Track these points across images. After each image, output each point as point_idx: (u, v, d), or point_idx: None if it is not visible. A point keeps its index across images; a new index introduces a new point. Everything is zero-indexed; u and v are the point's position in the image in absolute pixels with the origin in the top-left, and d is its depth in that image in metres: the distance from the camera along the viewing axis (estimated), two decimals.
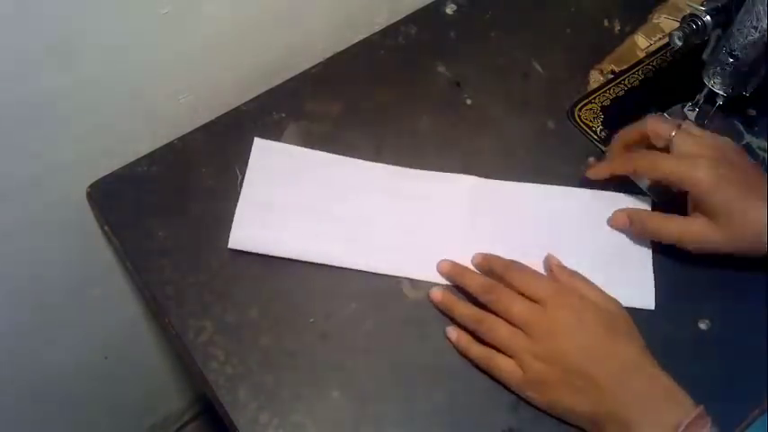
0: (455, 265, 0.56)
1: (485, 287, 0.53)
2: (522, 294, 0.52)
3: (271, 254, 0.56)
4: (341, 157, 0.61)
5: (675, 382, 0.47)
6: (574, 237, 0.58)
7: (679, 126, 0.55)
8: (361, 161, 0.61)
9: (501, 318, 0.51)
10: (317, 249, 0.56)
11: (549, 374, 0.49)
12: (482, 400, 0.51)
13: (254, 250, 0.56)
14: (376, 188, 0.60)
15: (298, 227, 0.57)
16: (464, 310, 0.53)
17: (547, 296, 0.51)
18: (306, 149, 0.61)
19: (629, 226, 0.57)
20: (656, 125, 0.56)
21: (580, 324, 0.49)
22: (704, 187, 0.51)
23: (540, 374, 0.49)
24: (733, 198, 0.51)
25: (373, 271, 0.56)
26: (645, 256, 0.57)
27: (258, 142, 0.61)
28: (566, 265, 0.55)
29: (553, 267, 0.54)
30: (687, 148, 0.54)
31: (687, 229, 0.53)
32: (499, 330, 0.51)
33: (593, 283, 0.53)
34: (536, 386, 0.49)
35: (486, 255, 0.56)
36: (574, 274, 0.54)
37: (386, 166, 0.61)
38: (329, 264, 0.56)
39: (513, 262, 0.54)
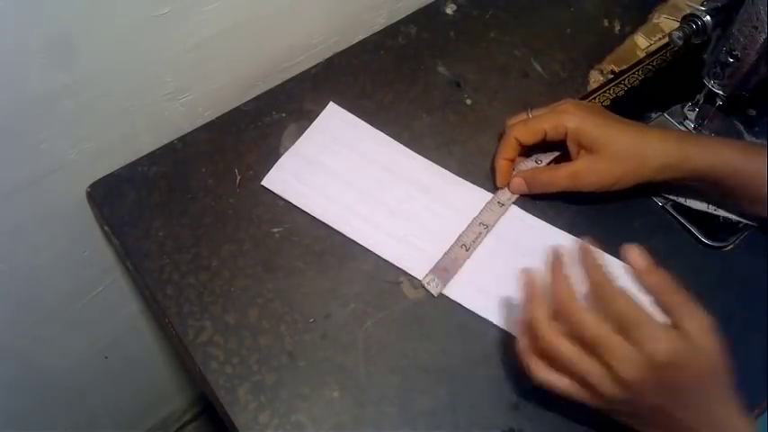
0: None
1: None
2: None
3: (296, 203, 0.59)
4: (392, 141, 0.63)
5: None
6: None
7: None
8: (412, 153, 0.63)
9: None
10: (337, 215, 0.58)
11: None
12: (482, 400, 0.51)
13: (282, 194, 0.59)
14: (410, 178, 0.61)
15: (329, 190, 0.60)
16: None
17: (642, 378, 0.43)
18: (369, 127, 0.64)
19: (526, 188, 0.59)
20: (514, 121, 0.61)
21: (672, 403, 0.44)
22: (576, 124, 0.56)
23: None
24: (605, 127, 0.56)
25: (378, 254, 0.57)
26: None
27: (332, 106, 0.64)
28: None
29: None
30: (555, 108, 0.59)
31: (576, 169, 0.57)
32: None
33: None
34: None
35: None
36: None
37: (428, 162, 0.62)
38: (342, 232, 0.58)
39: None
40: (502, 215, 0.59)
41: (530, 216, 0.60)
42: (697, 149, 0.55)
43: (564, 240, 0.58)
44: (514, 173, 0.60)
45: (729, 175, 0.55)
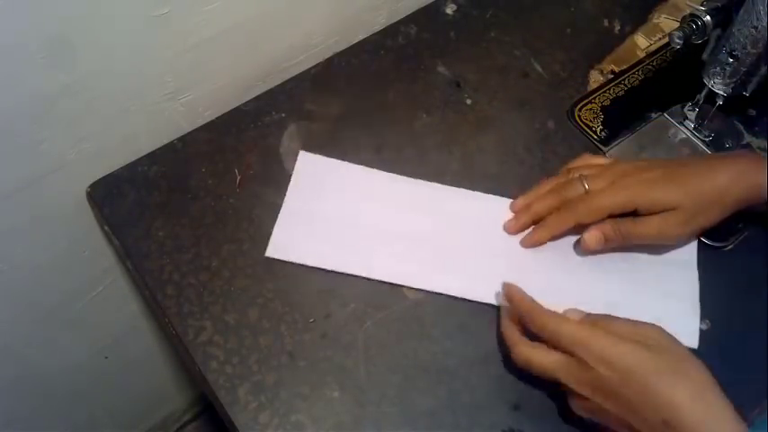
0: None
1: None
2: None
3: (309, 264, 0.56)
4: (384, 173, 0.61)
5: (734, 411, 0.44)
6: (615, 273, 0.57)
7: (568, 171, 0.59)
8: (403, 177, 0.61)
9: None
10: (357, 261, 0.56)
11: (596, 417, 0.47)
12: (482, 400, 0.51)
13: (293, 260, 0.56)
14: (419, 206, 0.59)
15: (338, 239, 0.57)
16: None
17: (587, 357, 0.46)
18: (349, 164, 0.61)
19: (604, 243, 0.55)
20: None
21: (627, 390, 0.44)
22: (649, 196, 0.53)
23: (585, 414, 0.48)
24: (669, 186, 0.54)
25: (410, 285, 0.56)
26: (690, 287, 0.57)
27: (303, 156, 0.61)
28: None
29: (579, 321, 0.49)
30: (598, 183, 0.56)
31: (662, 225, 0.54)
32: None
33: (625, 321, 0.48)
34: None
35: (511, 289, 0.52)
36: (602, 319, 0.49)
37: (430, 183, 0.61)
38: (368, 276, 0.56)
39: (531, 314, 0.50)
40: None
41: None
42: (763, 174, 0.53)
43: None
44: (593, 228, 0.55)
45: None
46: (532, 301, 0.51)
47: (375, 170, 0.61)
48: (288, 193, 0.59)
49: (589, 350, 0.46)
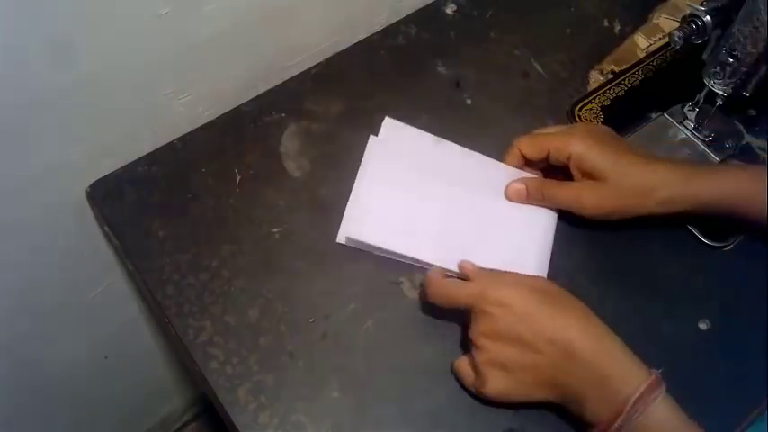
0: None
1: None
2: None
3: (384, 248, 0.56)
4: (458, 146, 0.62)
5: (630, 349, 0.47)
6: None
7: None
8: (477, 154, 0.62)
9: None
10: (429, 249, 0.56)
11: (508, 381, 0.48)
12: (482, 400, 0.51)
13: (364, 240, 0.56)
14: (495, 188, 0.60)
15: (412, 225, 0.57)
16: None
17: (473, 301, 0.50)
18: (426, 134, 0.62)
19: (526, 197, 0.58)
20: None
21: (514, 315, 0.48)
22: (579, 150, 0.55)
23: (502, 383, 0.49)
24: (609, 156, 0.55)
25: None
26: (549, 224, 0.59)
27: (387, 123, 0.62)
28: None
29: (469, 274, 0.53)
30: (566, 130, 0.59)
31: (579, 193, 0.56)
32: (461, 360, 0.52)
33: (510, 272, 0.54)
34: (503, 395, 0.49)
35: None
36: (490, 273, 0.53)
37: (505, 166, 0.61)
38: (433, 263, 0.56)
39: (430, 279, 0.53)
40: None
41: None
42: (704, 183, 0.54)
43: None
44: (516, 179, 0.59)
45: (740, 206, 0.54)
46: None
47: (452, 144, 0.62)
48: (367, 168, 0.60)
49: (484, 298, 0.49)
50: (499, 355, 0.48)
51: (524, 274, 0.54)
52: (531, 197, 0.58)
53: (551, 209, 0.59)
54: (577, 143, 0.55)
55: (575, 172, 0.56)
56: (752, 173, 0.55)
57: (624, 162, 0.55)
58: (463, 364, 0.51)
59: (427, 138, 0.62)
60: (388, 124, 0.62)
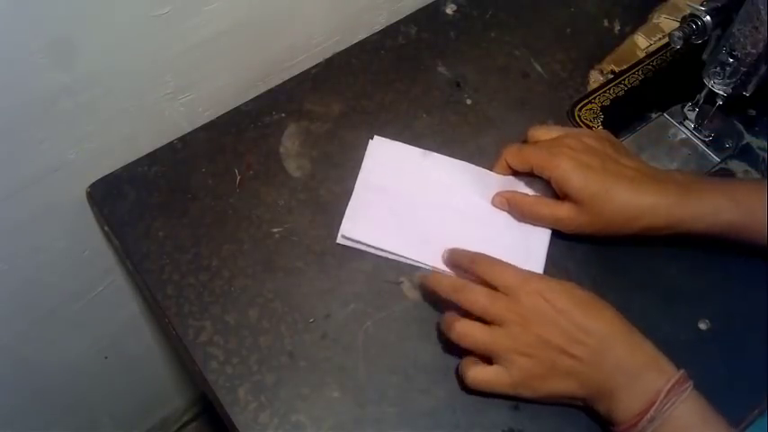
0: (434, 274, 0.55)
1: (454, 287, 0.52)
2: (493, 287, 0.51)
3: (383, 248, 0.57)
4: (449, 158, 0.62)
5: (657, 349, 0.48)
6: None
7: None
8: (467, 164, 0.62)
9: (476, 318, 0.51)
10: (427, 251, 0.57)
11: (535, 367, 0.48)
12: (482, 399, 0.51)
13: (363, 240, 0.57)
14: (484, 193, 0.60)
15: (409, 227, 0.58)
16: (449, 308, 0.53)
17: (516, 284, 0.50)
18: (413, 148, 0.62)
19: (508, 208, 0.59)
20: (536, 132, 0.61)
21: (552, 307, 0.49)
22: (560, 173, 0.54)
23: (527, 370, 0.48)
24: (592, 182, 0.53)
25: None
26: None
27: (375, 141, 0.63)
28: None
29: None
30: (556, 142, 0.57)
31: (556, 213, 0.56)
32: (474, 334, 0.50)
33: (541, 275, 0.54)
34: (526, 383, 0.49)
35: (451, 250, 0.56)
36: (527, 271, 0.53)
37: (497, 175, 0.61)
38: (432, 265, 0.56)
39: (478, 254, 0.54)
40: None
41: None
42: (690, 210, 0.53)
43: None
44: (500, 192, 0.59)
45: (730, 232, 0.53)
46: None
47: (440, 156, 0.62)
48: (360, 177, 0.60)
49: (524, 288, 0.50)
50: (530, 344, 0.48)
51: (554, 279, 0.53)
52: (513, 210, 0.59)
53: None
54: (560, 165, 0.54)
55: (558, 191, 0.56)
56: (749, 187, 0.54)
57: (609, 186, 0.53)
58: (470, 362, 0.51)
59: (415, 151, 0.62)
60: (376, 142, 0.62)
